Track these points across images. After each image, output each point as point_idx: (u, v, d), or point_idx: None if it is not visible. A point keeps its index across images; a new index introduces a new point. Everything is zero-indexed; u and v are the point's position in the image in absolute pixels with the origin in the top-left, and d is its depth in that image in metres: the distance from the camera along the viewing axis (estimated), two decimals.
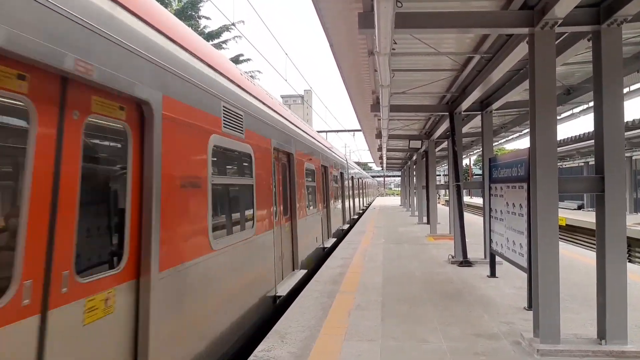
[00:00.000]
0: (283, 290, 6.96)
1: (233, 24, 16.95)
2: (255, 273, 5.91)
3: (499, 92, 9.10)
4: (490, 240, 7.82)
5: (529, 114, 4.90)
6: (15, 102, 2.35)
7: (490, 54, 7.07)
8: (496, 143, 18.87)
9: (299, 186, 8.82)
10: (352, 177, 22.06)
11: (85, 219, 2.80)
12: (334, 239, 13.40)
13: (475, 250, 10.20)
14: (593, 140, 4.78)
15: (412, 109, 11.56)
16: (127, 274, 3.21)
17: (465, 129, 13.74)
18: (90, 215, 2.96)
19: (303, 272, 8.20)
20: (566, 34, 5.61)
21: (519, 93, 8.79)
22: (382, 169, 59.27)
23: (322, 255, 11.22)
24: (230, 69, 5.60)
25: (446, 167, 39.68)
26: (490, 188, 7.84)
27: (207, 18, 29.13)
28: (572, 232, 19.20)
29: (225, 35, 28.60)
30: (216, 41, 28.06)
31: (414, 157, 23.71)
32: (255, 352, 4.64)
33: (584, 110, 10.95)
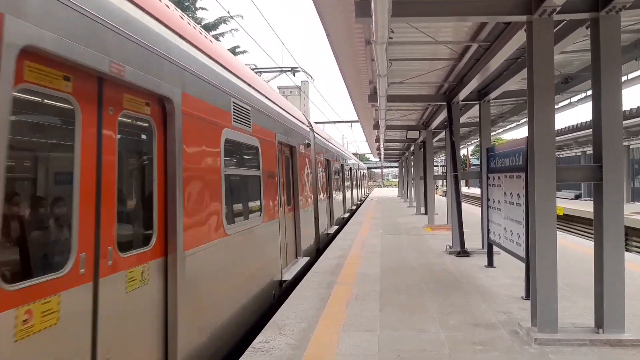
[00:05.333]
0: (332, 230, 14.02)
1: (231, 16, 16.83)
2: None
3: (496, 82, 9.05)
4: (488, 230, 7.82)
5: (526, 103, 4.87)
6: None
7: (487, 43, 7.01)
8: (494, 133, 18.84)
9: (337, 180, 17.40)
10: (351, 168, 24.55)
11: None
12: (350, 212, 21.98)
13: (473, 241, 10.22)
14: (591, 130, 4.75)
15: (410, 98, 11.51)
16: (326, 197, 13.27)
17: (462, 119, 13.68)
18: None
19: (336, 227, 15.06)
20: (564, 22, 5.55)
21: (517, 82, 8.74)
22: (380, 160, 59.22)
23: (344, 220, 18.74)
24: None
25: (444, 158, 39.58)
26: (488, 178, 7.82)
27: (204, 9, 29.20)
28: (569, 221, 19.26)
29: (222, 28, 28.51)
30: (213, 33, 27.88)
31: (412, 148, 23.70)
32: (254, 343, 4.63)
33: (581, 99, 10.92)
